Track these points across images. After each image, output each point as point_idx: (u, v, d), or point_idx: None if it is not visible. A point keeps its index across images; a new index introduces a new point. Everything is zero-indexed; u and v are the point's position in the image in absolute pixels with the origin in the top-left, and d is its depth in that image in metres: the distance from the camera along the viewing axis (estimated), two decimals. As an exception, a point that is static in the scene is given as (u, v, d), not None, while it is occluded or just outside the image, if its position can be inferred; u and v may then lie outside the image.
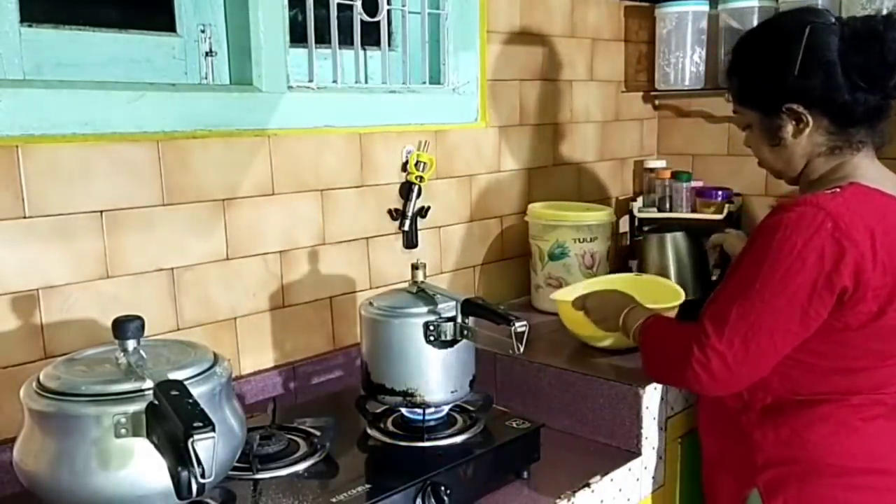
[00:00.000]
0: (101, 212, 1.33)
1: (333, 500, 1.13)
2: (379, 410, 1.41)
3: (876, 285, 1.18)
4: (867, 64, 1.21)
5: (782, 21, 1.33)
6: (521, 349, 1.22)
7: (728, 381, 1.25)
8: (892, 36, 1.21)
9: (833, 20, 1.25)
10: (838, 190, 1.22)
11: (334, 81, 1.63)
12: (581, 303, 1.56)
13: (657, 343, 1.36)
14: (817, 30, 1.23)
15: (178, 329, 1.44)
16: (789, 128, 1.29)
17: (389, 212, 1.77)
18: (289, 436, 1.32)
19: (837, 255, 1.17)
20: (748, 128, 1.37)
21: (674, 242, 1.86)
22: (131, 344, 1.04)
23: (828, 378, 1.27)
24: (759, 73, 1.31)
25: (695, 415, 1.52)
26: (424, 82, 1.85)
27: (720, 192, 2.22)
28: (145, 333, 1.06)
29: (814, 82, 1.23)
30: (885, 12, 1.30)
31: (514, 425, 1.37)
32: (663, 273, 1.85)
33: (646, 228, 2.09)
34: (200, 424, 0.84)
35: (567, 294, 1.69)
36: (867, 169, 1.28)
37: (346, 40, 1.66)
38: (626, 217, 2.36)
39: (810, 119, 1.27)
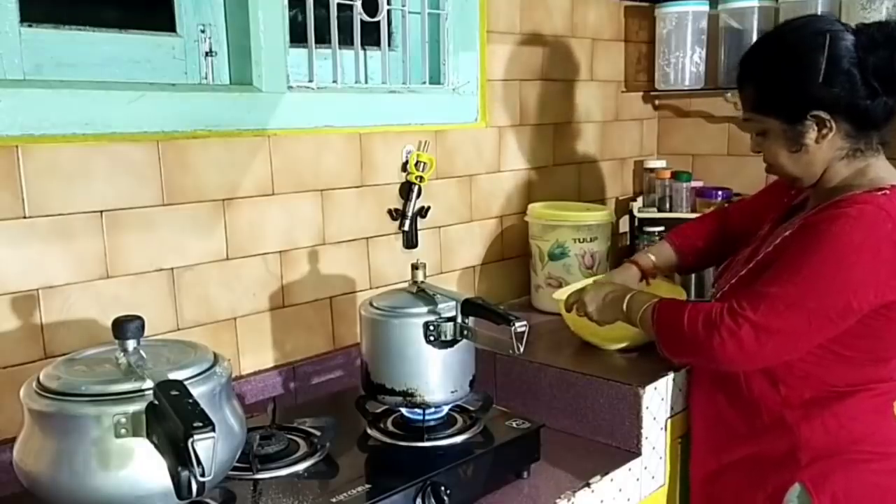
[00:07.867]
0: (101, 212, 1.33)
1: (333, 500, 1.13)
2: (379, 410, 1.41)
3: None
4: (885, 69, 1.25)
5: (800, 31, 1.33)
6: (521, 349, 1.22)
7: (755, 353, 1.25)
8: None
9: (844, 27, 1.29)
10: (887, 192, 1.25)
11: (334, 81, 1.63)
12: (575, 297, 1.53)
13: (676, 318, 1.32)
14: (836, 38, 1.26)
15: (178, 329, 1.44)
16: (812, 133, 1.30)
17: (389, 212, 1.77)
18: (289, 436, 1.32)
19: (893, 258, 1.20)
20: (762, 134, 1.36)
21: None
22: (131, 344, 1.04)
23: (862, 369, 1.31)
24: (783, 82, 1.31)
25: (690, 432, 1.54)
26: (424, 82, 1.85)
27: (720, 192, 2.21)
28: (145, 333, 1.06)
29: (838, 89, 1.26)
30: (884, 15, 1.33)
31: (514, 425, 1.37)
32: None
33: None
34: (200, 424, 0.84)
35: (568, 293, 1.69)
36: (890, 172, 1.31)
37: (346, 40, 1.66)
38: (626, 217, 2.36)
39: (834, 125, 1.28)
